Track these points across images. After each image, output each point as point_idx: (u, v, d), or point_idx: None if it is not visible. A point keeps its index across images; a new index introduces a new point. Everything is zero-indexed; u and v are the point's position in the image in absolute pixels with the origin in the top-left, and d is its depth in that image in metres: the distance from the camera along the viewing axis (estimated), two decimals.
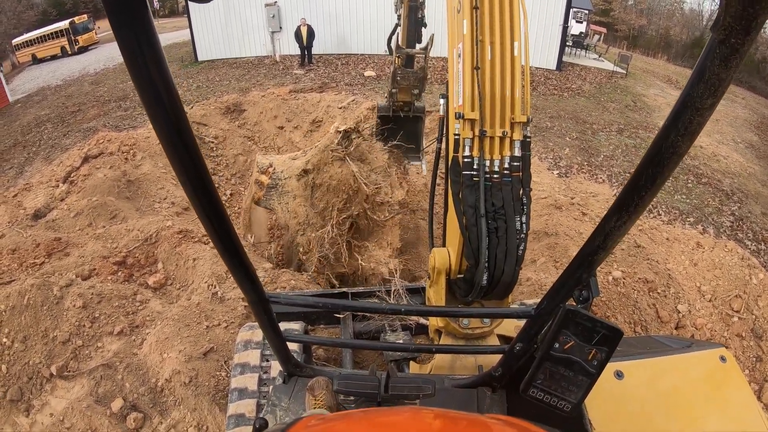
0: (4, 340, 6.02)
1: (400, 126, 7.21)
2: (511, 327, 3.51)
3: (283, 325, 4.04)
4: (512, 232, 2.73)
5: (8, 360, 5.85)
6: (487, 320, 3.12)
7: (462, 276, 2.95)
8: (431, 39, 6.47)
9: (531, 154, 2.87)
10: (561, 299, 1.76)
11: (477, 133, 2.72)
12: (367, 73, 17.25)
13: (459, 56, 2.84)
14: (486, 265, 2.73)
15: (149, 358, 5.33)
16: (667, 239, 7.91)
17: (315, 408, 2.16)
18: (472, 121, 2.73)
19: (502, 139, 2.77)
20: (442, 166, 3.80)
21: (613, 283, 6.53)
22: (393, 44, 6.46)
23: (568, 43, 18.38)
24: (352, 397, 2.27)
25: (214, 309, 5.69)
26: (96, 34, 37.30)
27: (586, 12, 26.62)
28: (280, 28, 20.15)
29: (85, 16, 37.44)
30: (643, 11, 44.58)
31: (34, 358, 5.80)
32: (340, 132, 6.59)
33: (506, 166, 2.78)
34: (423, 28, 6.84)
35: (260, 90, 14.16)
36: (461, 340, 3.16)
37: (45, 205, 9.26)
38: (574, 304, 1.74)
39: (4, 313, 6.19)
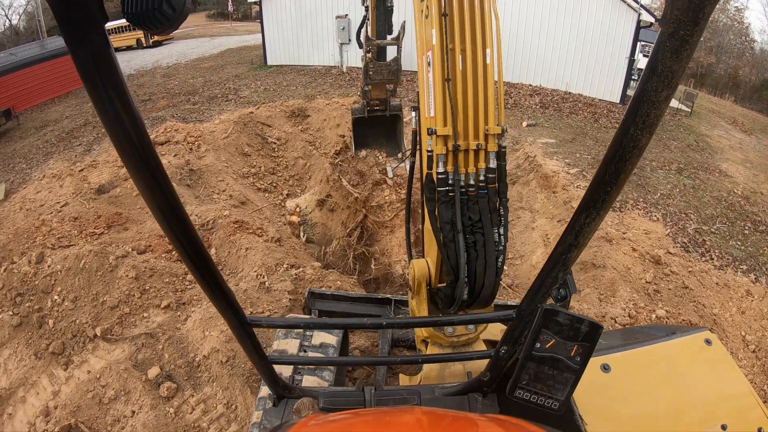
0: (56, 297, 6.62)
1: (377, 129, 7.25)
2: (497, 331, 3.52)
3: (322, 337, 4.39)
4: (491, 245, 2.76)
5: (56, 316, 6.43)
6: (471, 326, 3.16)
7: (443, 286, 2.98)
8: (403, 27, 6.44)
9: (506, 164, 2.86)
10: (540, 299, 1.84)
11: (450, 148, 2.71)
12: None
13: (429, 64, 2.81)
14: (466, 279, 2.76)
15: (191, 333, 5.76)
16: (716, 284, 7.84)
17: None
18: (445, 137, 2.71)
19: (476, 151, 2.77)
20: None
21: (656, 321, 6.55)
22: (362, 37, 6.40)
23: (633, 77, 18.34)
24: None
25: (259, 297, 6.08)
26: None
27: None
28: (349, 40, 21.08)
29: None
30: (712, 49, 43.74)
31: (81, 318, 6.34)
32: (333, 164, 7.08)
33: (482, 178, 2.78)
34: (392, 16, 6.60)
35: (325, 98, 14.83)
36: (447, 348, 3.22)
37: (109, 182, 10.06)
38: (554, 302, 1.85)
39: (59, 273, 6.82)
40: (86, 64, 0.95)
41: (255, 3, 24.57)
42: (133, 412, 5.26)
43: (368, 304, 5.72)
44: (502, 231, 2.79)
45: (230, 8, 49.04)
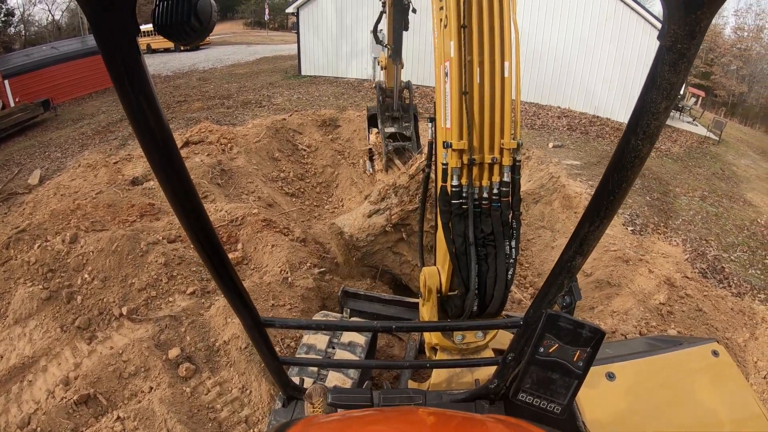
0: (86, 276, 7.20)
1: (396, 126, 7.81)
2: (506, 340, 3.53)
3: (351, 336, 4.70)
4: (501, 258, 2.90)
5: (85, 293, 7.00)
6: (480, 334, 3.26)
7: (453, 294, 3.15)
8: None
9: (520, 177, 2.92)
10: (546, 306, 1.94)
11: (465, 161, 2.80)
12: None
13: (446, 75, 2.87)
14: (476, 291, 2.92)
15: (213, 320, 6.25)
16: (731, 309, 7.99)
17: None
18: (461, 151, 2.79)
19: (491, 165, 2.85)
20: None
21: None
22: (380, 34, 7.00)
23: None
24: None
25: (282, 291, 6.56)
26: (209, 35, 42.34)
27: None
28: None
29: None
30: (744, 78, 43.35)
31: (108, 297, 6.90)
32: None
33: (495, 191, 2.87)
34: (413, 13, 6.97)
35: (357, 110, 15.42)
36: (456, 355, 3.33)
37: (143, 176, 10.76)
38: (559, 309, 1.91)
39: (91, 253, 7.41)
40: (118, 71, 1.06)
41: (292, 14, 25.66)
42: (151, 388, 5.73)
43: (400, 307, 5.98)
44: (513, 244, 2.91)
45: (267, 17, 50.85)
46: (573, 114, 19.04)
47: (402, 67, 7.07)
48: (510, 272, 2.94)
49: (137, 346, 6.06)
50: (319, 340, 4.70)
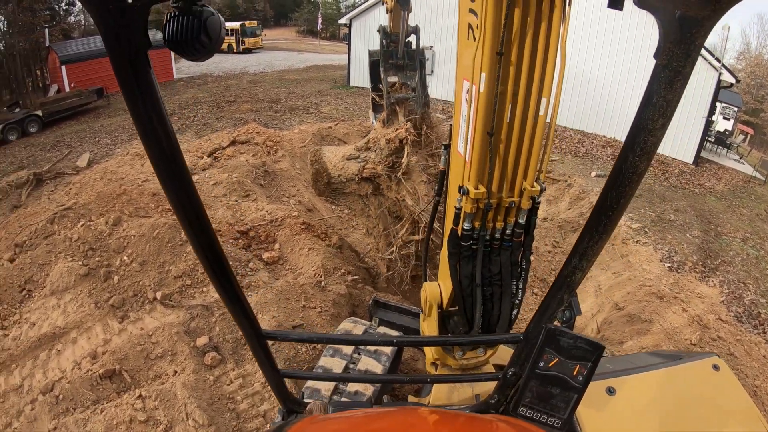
0: (125, 258, 7.59)
1: (400, 75, 7.46)
2: (506, 356, 3.47)
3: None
4: (507, 298, 2.82)
5: (122, 274, 7.37)
6: (481, 350, 3.22)
7: (453, 310, 3.11)
8: (416, 30, 6.99)
9: (537, 218, 2.75)
10: (546, 321, 1.94)
11: (482, 206, 2.58)
12: None
13: (467, 94, 2.58)
14: (479, 330, 2.89)
15: None
16: (764, 356, 7.83)
17: None
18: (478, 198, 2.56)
19: (508, 208, 2.65)
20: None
21: None
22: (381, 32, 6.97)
23: (709, 139, 18.14)
24: None
25: (314, 294, 6.78)
26: (261, 40, 44.04)
27: (735, 109, 25.76)
28: (432, 72, 22.04)
29: (255, 22, 45.14)
30: None
31: (144, 281, 7.24)
32: None
33: (508, 232, 2.72)
34: None
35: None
36: (457, 371, 3.32)
37: (189, 170, 11.28)
38: (559, 324, 2.03)
39: (132, 237, 7.81)
40: (128, 83, 1.13)
41: (344, 25, 26.26)
42: (176, 371, 6.01)
43: None
44: (520, 285, 2.82)
45: (319, 26, 52.13)
46: (618, 144, 18.85)
47: (410, 12, 6.65)
48: (515, 312, 2.87)
49: (167, 330, 6.36)
50: (335, 363, 4.77)
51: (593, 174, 15.48)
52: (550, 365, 1.85)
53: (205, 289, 7.09)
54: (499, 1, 2.18)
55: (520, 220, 2.67)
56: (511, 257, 2.76)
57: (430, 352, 3.53)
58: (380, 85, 7.42)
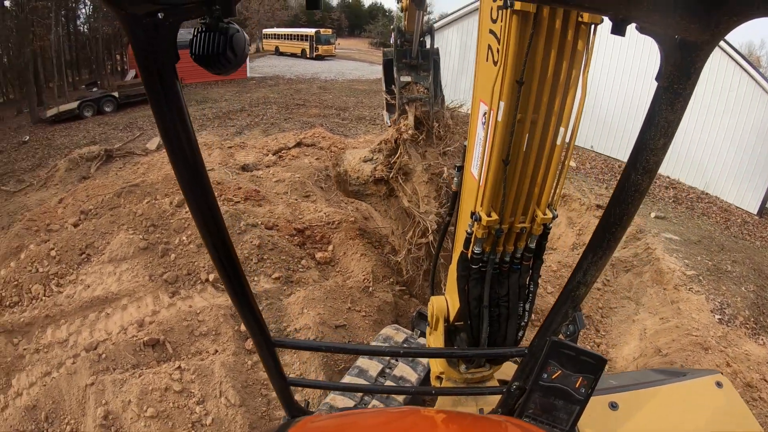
0: (184, 238, 7.95)
1: (414, 75, 7.41)
2: (510, 371, 3.32)
3: (401, 369, 4.86)
4: (513, 319, 2.87)
5: (179, 253, 7.71)
6: (486, 366, 3.27)
7: (460, 324, 3.17)
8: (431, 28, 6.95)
9: (547, 242, 2.78)
10: (551, 335, 1.99)
11: (493, 231, 2.61)
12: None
13: (484, 115, 2.59)
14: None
15: (291, 307, 6.71)
16: None
17: None
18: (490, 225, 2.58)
19: (519, 233, 2.68)
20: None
21: None
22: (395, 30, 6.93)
23: None
24: None
25: (360, 298, 6.94)
26: (334, 48, 45.40)
27: None
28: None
29: (330, 30, 46.61)
30: None
31: (199, 262, 7.56)
32: None
33: (518, 255, 2.76)
34: None
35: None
36: (461, 385, 3.34)
37: (253, 164, 11.73)
38: (563, 338, 1.99)
39: (192, 220, 8.20)
40: (156, 92, 1.21)
41: None
42: (216, 351, 6.25)
43: None
44: (527, 307, 2.87)
45: (392, 40, 53.12)
46: (681, 186, 18.27)
47: (425, 12, 6.70)
48: (520, 333, 2.94)
49: (214, 311, 6.62)
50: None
51: (653, 215, 15.06)
52: (553, 377, 1.90)
53: (256, 279, 7.35)
54: (523, 27, 2.17)
55: (531, 245, 2.72)
56: (520, 280, 2.82)
57: (435, 365, 3.60)
58: (393, 86, 7.49)
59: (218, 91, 25.13)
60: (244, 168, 11.51)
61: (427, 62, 7.42)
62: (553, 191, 2.57)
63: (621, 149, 16.61)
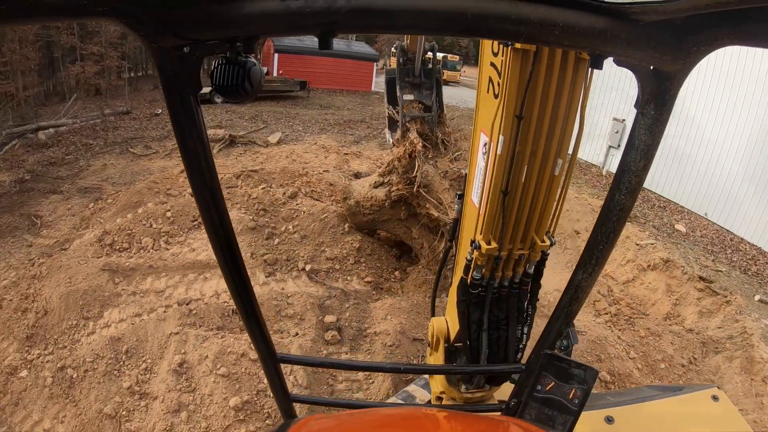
0: (290, 227, 8.58)
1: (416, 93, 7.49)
2: (509, 391, 3.72)
3: None
4: (512, 342, 2.94)
5: (283, 239, 8.34)
6: (486, 386, 3.34)
7: (460, 345, 3.22)
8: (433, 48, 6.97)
9: (545, 267, 2.87)
10: (545, 350, 2.06)
11: (492, 258, 2.70)
12: (677, 227, 16.40)
13: (485, 146, 2.68)
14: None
15: (375, 311, 7.10)
16: None
17: None
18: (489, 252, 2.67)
19: (518, 260, 2.77)
20: None
21: None
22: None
23: None
24: None
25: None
26: (460, 75, 47.30)
27: None
28: (619, 145, 21.18)
29: (457, 57, 48.93)
30: None
31: (300, 252, 8.14)
32: None
33: (516, 281, 2.84)
34: None
35: (577, 191, 15.60)
36: (460, 402, 3.43)
37: (365, 173, 12.39)
38: (558, 353, 2.05)
39: (302, 212, 8.83)
40: (179, 119, 1.29)
41: None
42: (297, 333, 6.74)
43: None
44: (525, 330, 2.96)
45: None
46: None
47: None
48: (519, 355, 3.01)
49: (304, 299, 7.14)
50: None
51: (757, 298, 14.02)
52: (547, 389, 1.97)
53: (348, 278, 7.85)
54: (524, 65, 2.26)
55: (529, 270, 2.81)
56: (518, 304, 2.90)
57: (435, 385, 3.71)
58: (394, 107, 7.67)
59: (342, 99, 26.68)
60: (356, 175, 12.20)
61: (429, 80, 7.59)
62: (551, 220, 2.68)
63: (739, 222, 15.19)
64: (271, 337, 2.02)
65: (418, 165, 7.35)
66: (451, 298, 3.19)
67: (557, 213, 2.64)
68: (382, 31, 1.08)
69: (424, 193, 7.38)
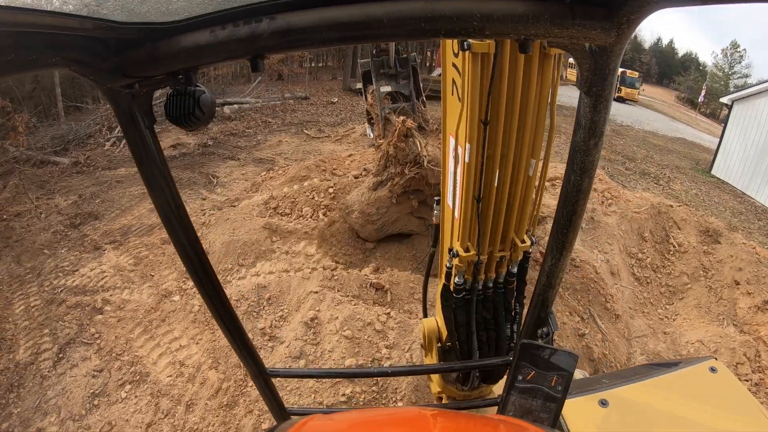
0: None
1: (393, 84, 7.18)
2: None
3: None
4: (502, 341, 2.92)
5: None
6: (482, 384, 3.30)
7: (451, 345, 3.12)
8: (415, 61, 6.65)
9: (529, 265, 2.82)
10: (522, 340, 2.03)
11: (472, 263, 2.65)
12: None
13: (454, 150, 2.55)
14: (477, 374, 3.01)
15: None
16: None
17: None
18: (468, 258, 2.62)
19: (500, 261, 2.73)
20: None
21: None
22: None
23: None
24: None
25: None
26: (638, 94, 43.55)
27: None
28: None
29: (637, 74, 44.84)
30: None
31: None
32: None
33: (501, 281, 2.81)
34: None
35: (745, 237, 14.02)
36: (460, 400, 3.41)
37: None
38: (540, 341, 2.02)
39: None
40: (139, 152, 1.37)
41: (726, 105, 22.94)
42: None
43: None
44: (515, 328, 2.93)
45: (702, 99, 48.12)
46: None
47: None
48: (510, 354, 2.97)
49: (357, 280, 7.78)
50: None
51: None
52: (528, 378, 1.93)
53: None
54: (484, 66, 2.18)
55: (513, 269, 2.77)
56: (505, 303, 2.87)
57: (434, 386, 3.66)
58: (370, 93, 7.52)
59: None
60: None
61: (405, 69, 7.44)
62: (530, 219, 2.66)
63: None
64: (258, 353, 2.05)
65: (419, 141, 7.35)
66: (438, 301, 3.21)
67: (535, 213, 2.67)
68: (308, 47, 1.13)
69: (433, 167, 7.31)
